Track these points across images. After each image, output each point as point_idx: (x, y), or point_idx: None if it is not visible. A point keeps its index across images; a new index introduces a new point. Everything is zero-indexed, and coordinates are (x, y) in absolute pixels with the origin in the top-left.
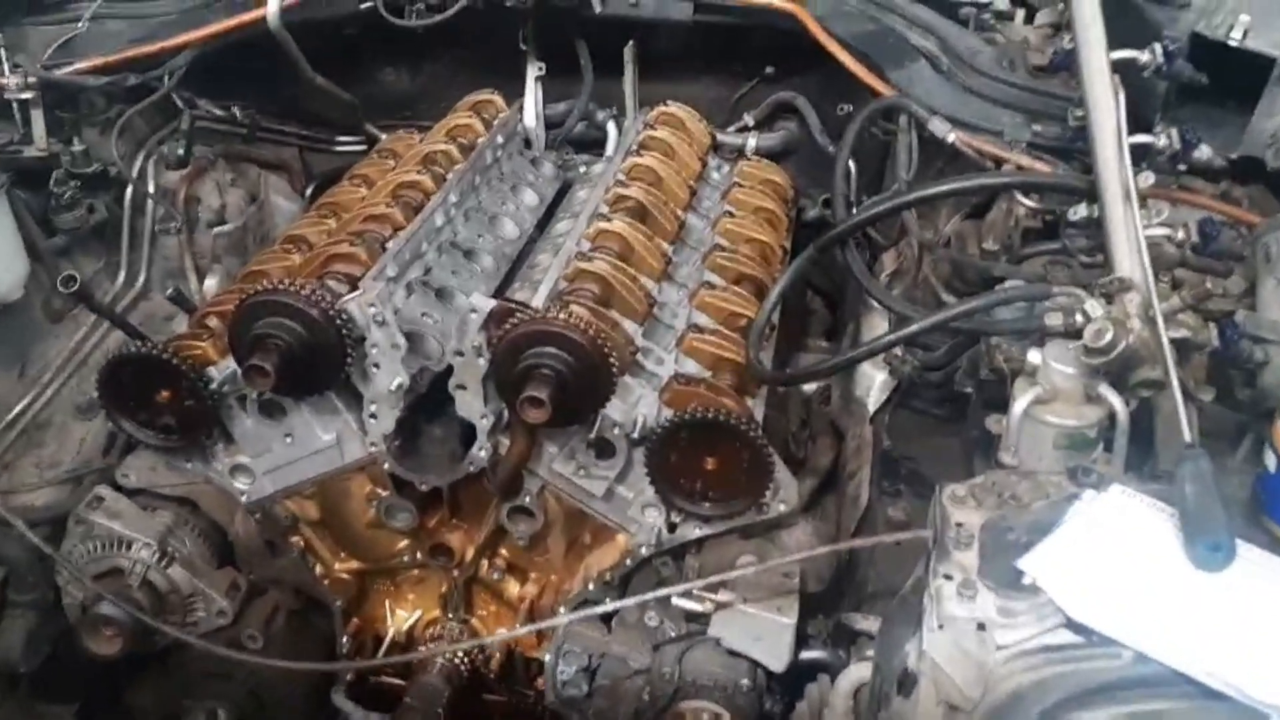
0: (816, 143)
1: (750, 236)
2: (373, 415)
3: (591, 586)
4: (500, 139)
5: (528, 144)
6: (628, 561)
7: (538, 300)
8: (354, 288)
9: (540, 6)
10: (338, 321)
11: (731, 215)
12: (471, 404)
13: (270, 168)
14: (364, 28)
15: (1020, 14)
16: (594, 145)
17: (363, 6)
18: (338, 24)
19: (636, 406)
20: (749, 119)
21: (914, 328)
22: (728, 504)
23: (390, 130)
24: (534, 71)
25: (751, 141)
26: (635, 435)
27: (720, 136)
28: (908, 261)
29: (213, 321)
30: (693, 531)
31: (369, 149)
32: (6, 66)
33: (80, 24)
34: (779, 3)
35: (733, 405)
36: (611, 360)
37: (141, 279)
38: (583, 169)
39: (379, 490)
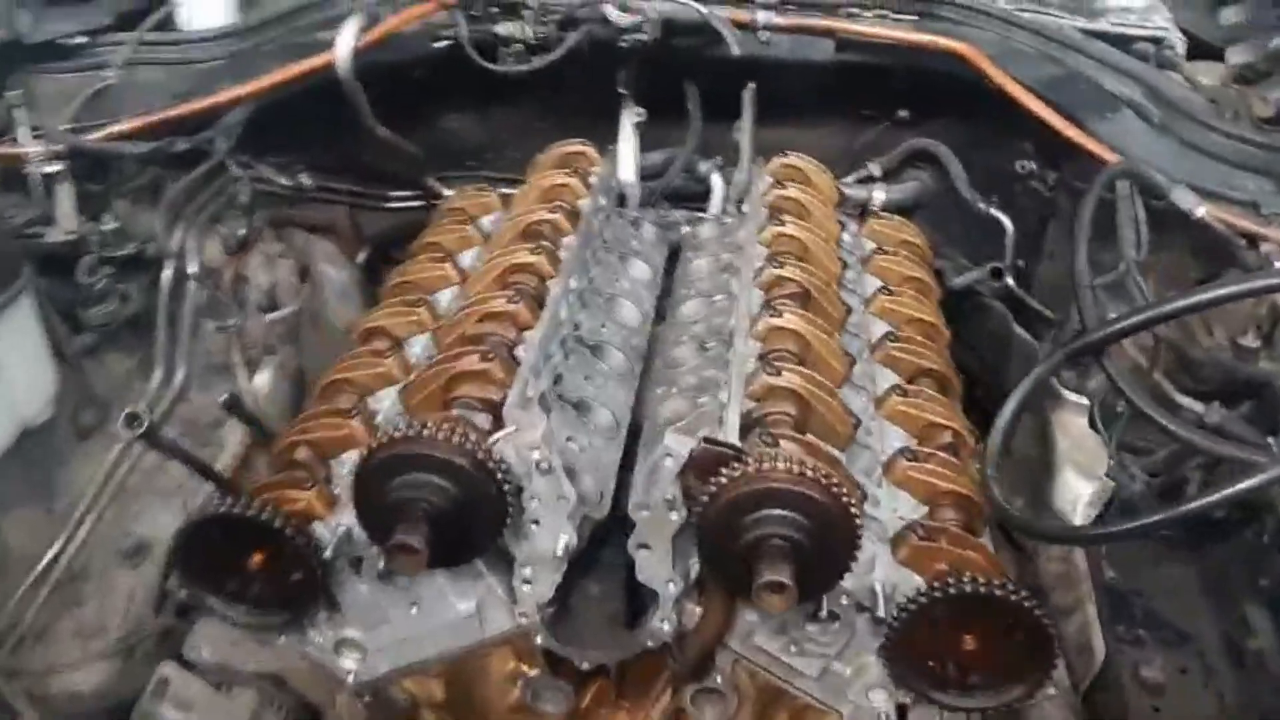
0: (950, 197)
1: (912, 316)
2: (527, 580)
3: None
4: (603, 200)
5: (621, 200)
6: None
7: (729, 432)
8: (494, 417)
9: (663, 48)
10: (497, 473)
11: (889, 292)
12: (657, 568)
13: (317, 230)
14: (432, 70)
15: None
16: (690, 199)
17: (438, 45)
18: (406, 67)
19: (872, 570)
20: (874, 169)
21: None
22: (994, 692)
23: (453, 184)
24: (632, 118)
25: (880, 195)
26: (878, 611)
27: (844, 188)
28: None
29: (303, 454)
30: (932, 718)
31: (428, 205)
32: (28, 132)
33: (110, 73)
34: (946, 42)
35: (991, 568)
36: (857, 519)
37: (180, 376)
38: (684, 228)
39: (526, 668)
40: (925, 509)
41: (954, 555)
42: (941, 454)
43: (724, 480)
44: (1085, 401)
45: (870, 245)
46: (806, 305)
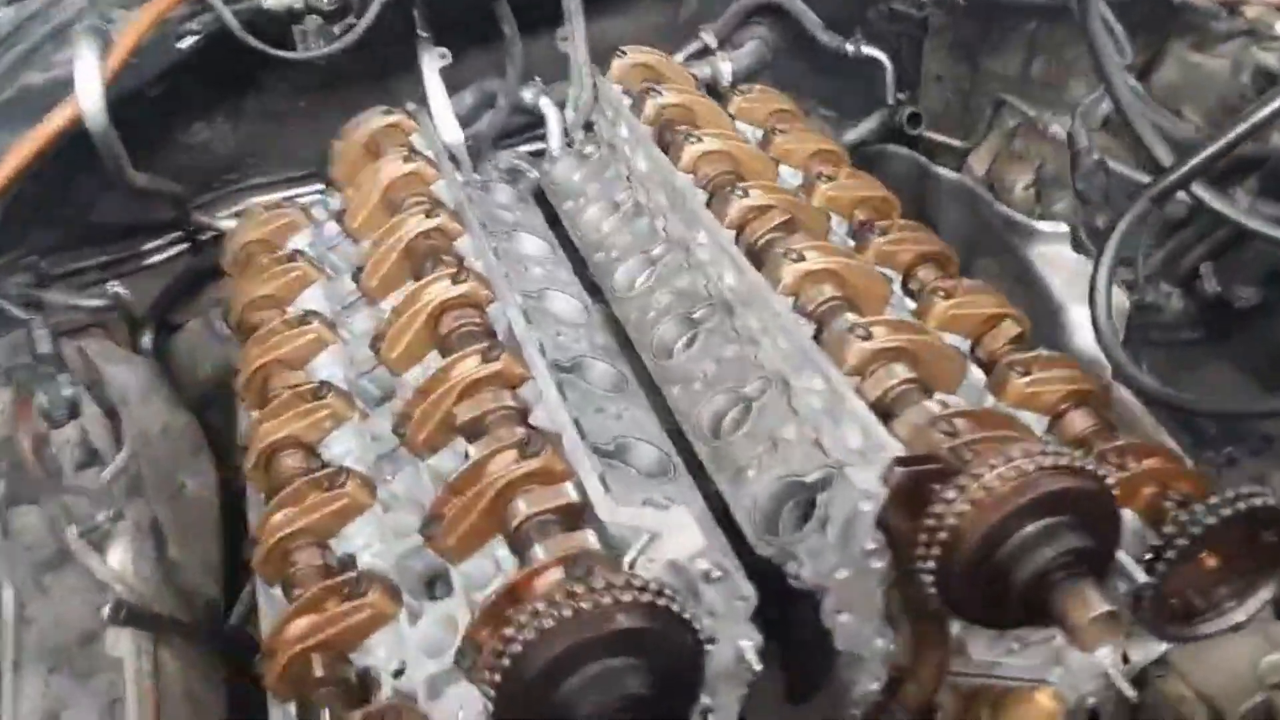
0: (799, 48)
1: (862, 196)
2: (710, 711)
3: None
4: (460, 178)
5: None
6: None
7: (905, 429)
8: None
9: None
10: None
11: (824, 177)
12: (863, 630)
13: (78, 333)
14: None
15: None
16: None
17: (183, 46)
18: (144, 87)
19: None
20: (708, 39)
21: None
22: (1243, 601)
23: (219, 208)
24: (436, 62)
25: (727, 66)
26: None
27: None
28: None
29: (320, 668)
30: (1155, 649)
31: (196, 248)
32: None
33: None
34: None
35: (1184, 465)
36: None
37: (8, 596)
38: (530, 173)
39: None
40: (1046, 421)
41: (1151, 471)
42: (1044, 355)
43: (955, 507)
44: (1064, 228)
45: (753, 128)
46: (795, 232)
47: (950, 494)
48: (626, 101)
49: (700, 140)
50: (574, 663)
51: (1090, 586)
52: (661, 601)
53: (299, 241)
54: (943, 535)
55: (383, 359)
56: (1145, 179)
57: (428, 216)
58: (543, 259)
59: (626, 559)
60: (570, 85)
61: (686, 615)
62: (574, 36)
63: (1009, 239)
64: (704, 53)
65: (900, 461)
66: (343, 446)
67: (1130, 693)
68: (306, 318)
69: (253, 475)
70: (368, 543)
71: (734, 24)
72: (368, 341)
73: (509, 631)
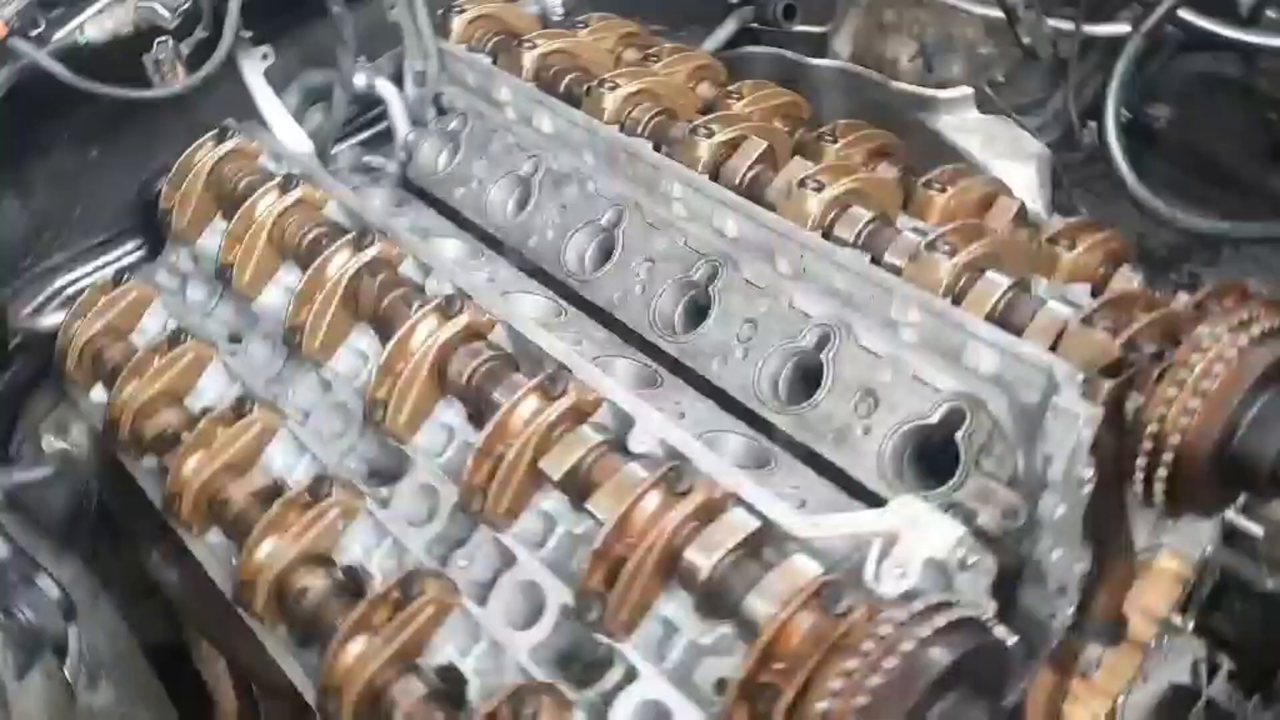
0: None
1: (769, 105)
2: None
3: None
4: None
5: None
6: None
7: (1047, 335)
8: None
9: None
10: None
11: (734, 95)
12: (1069, 559)
13: None
14: None
15: None
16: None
17: None
18: None
19: None
20: None
21: None
22: None
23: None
24: (259, 64)
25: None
26: None
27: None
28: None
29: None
30: None
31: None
32: None
33: None
34: None
35: None
36: None
37: None
38: (389, 166)
39: None
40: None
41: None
42: (1059, 220)
43: (1184, 402)
44: (968, 90)
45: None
46: (776, 161)
47: (1171, 390)
48: (485, 60)
49: (617, 85)
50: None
51: None
52: (961, 614)
53: (159, 320)
54: (1175, 437)
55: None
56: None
57: (358, 249)
58: (469, 260)
59: (867, 573)
60: (406, 58)
61: (985, 619)
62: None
63: (911, 115)
64: None
65: (1106, 372)
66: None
67: (1255, 530)
68: (241, 405)
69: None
70: (293, 462)
71: None
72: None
73: (826, 707)
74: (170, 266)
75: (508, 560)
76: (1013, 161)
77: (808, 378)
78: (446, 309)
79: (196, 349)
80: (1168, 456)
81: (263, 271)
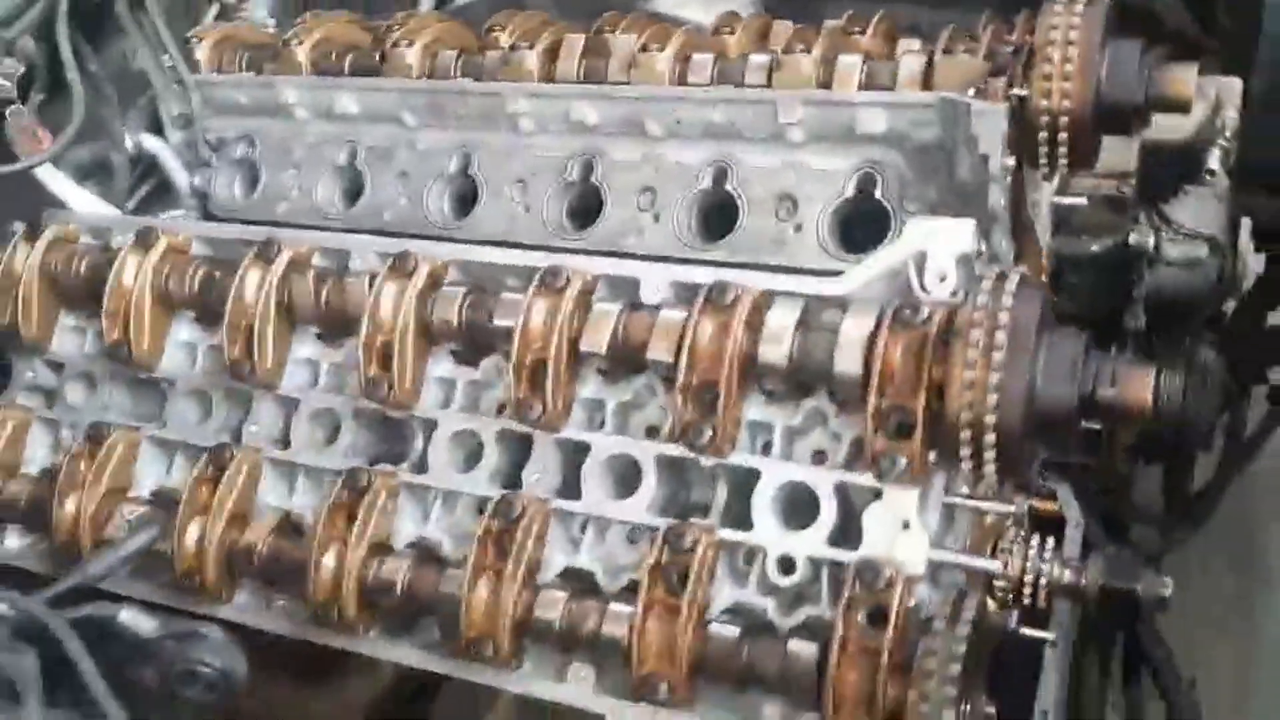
0: None
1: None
2: None
3: None
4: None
5: None
6: None
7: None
8: None
9: None
10: None
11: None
12: (1007, 244)
13: None
14: None
15: None
16: None
17: None
18: None
19: None
20: None
21: None
22: None
23: None
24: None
25: (261, 13)
26: None
27: None
28: None
29: None
30: None
31: None
32: None
33: None
34: None
35: None
36: None
37: None
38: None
39: None
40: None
41: None
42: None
43: (1056, 77)
44: None
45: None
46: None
47: (1045, 68)
48: (250, 75)
49: (412, 41)
50: None
51: None
52: (1017, 272)
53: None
54: (1064, 102)
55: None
56: None
57: (268, 261)
58: None
59: (915, 290)
60: (161, 105)
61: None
62: (155, 42)
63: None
64: (224, 14)
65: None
66: None
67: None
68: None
69: None
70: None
71: None
72: None
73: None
74: (29, 384)
75: (578, 453)
76: None
77: (724, 211)
78: (401, 268)
79: (124, 437)
80: (1063, 120)
81: (159, 334)
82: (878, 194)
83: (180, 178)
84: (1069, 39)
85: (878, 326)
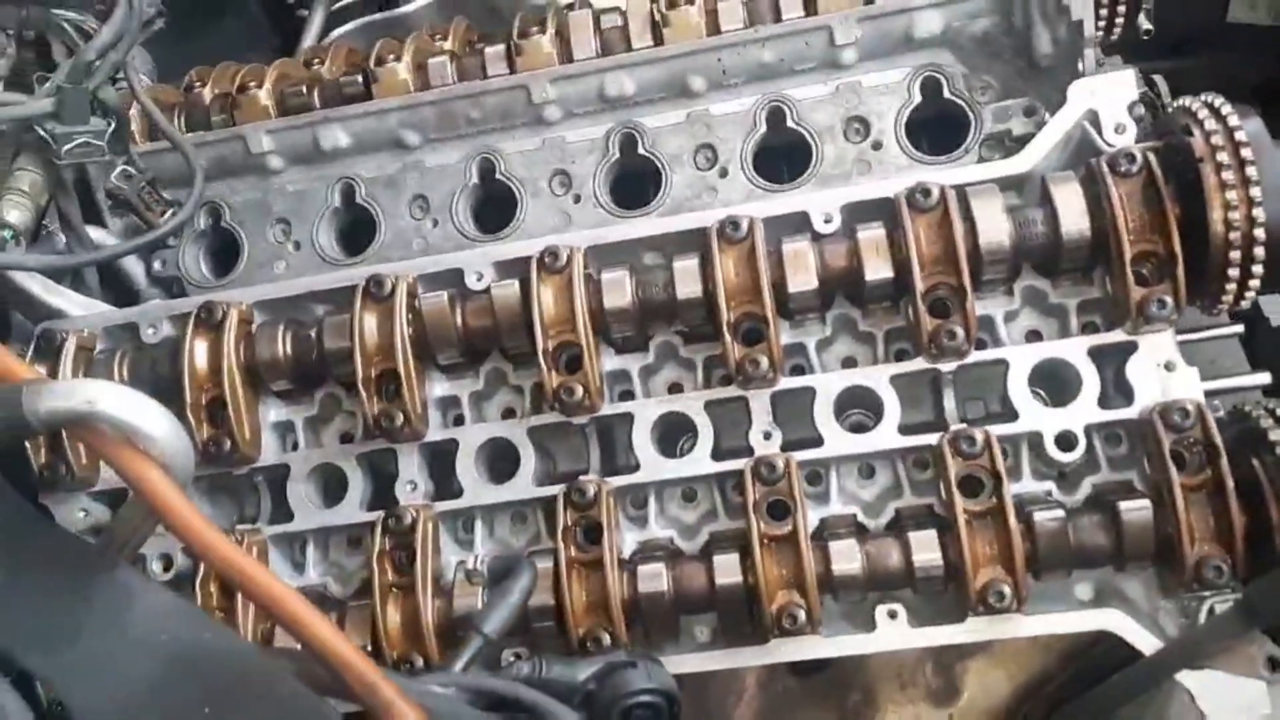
0: None
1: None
2: None
3: None
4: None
5: None
6: None
7: None
8: None
9: None
10: None
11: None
12: None
13: None
14: None
15: None
16: None
17: None
18: None
19: None
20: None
21: None
22: None
23: None
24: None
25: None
26: None
27: None
28: None
29: None
30: None
31: None
32: None
33: None
34: None
35: None
36: None
37: None
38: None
39: None
40: None
41: None
42: None
43: None
44: None
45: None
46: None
47: None
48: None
49: (400, 56)
50: None
51: None
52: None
53: None
54: None
55: None
56: None
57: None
58: None
59: (1101, 146)
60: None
61: None
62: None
63: None
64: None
65: None
66: None
67: None
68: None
69: None
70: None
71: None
72: None
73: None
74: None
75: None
76: None
77: (793, 151)
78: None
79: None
80: None
81: (253, 417)
82: (945, 94)
83: (134, 268)
84: None
85: (1098, 184)
